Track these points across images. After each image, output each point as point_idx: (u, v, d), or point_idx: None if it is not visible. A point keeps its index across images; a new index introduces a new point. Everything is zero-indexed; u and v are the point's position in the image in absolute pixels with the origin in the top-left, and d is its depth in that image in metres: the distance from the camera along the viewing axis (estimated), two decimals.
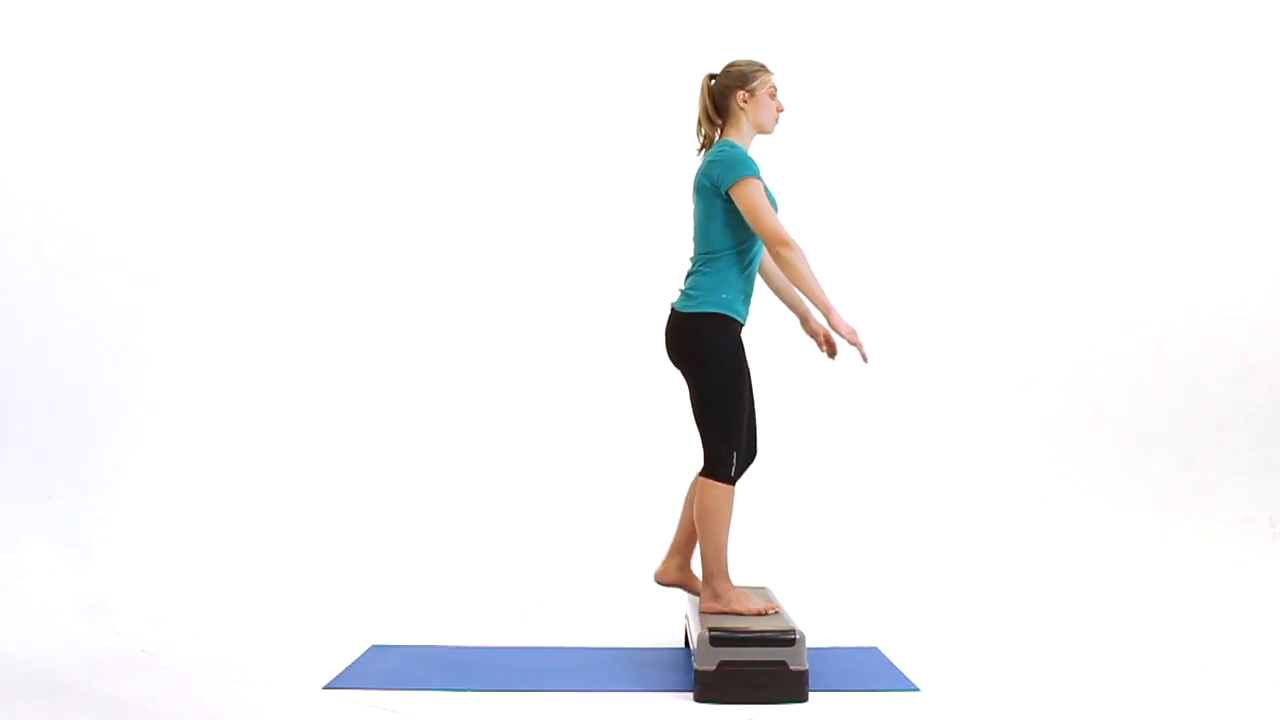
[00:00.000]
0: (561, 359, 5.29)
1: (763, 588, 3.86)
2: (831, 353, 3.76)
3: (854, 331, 3.42)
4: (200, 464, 4.96)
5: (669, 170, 4.61)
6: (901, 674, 3.54)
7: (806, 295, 3.43)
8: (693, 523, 3.62)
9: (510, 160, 5.37)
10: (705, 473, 3.47)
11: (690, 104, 3.70)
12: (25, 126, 4.73)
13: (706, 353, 3.47)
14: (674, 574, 3.72)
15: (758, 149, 3.63)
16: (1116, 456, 5.26)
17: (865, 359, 3.45)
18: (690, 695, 3.25)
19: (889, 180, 5.43)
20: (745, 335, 3.55)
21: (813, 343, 3.79)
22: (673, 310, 3.57)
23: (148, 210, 4.97)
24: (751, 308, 3.59)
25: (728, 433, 3.45)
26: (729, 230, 3.49)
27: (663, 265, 4.87)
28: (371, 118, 5.32)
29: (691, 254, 3.60)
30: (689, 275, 3.57)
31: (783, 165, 4.93)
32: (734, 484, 3.46)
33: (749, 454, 3.62)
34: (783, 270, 3.44)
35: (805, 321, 3.80)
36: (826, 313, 3.41)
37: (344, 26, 5.30)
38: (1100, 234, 5.40)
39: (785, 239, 3.40)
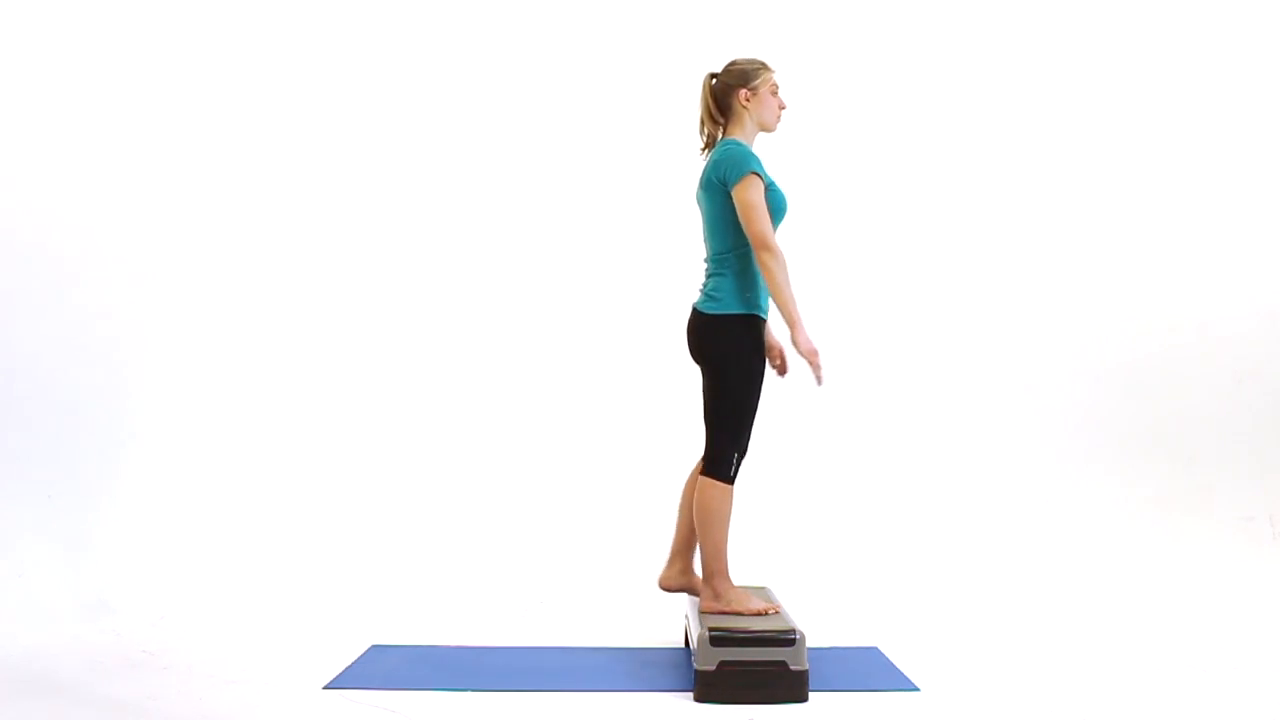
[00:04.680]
0: (561, 359, 5.29)
1: (763, 588, 3.85)
2: (782, 370, 3.66)
3: (815, 352, 3.38)
4: (200, 464, 4.96)
5: (669, 169, 4.60)
6: (901, 674, 3.54)
7: (777, 303, 3.40)
8: (691, 524, 3.62)
9: (510, 159, 5.37)
10: (705, 471, 3.48)
11: (690, 102, 3.69)
12: (27, 127, 4.73)
13: (729, 355, 3.45)
14: (677, 579, 3.71)
15: (761, 145, 3.62)
16: (1117, 456, 5.26)
17: (819, 381, 3.42)
18: (690, 695, 3.25)
19: (891, 181, 5.42)
20: None
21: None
22: (695, 310, 3.54)
23: (148, 210, 4.97)
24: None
25: (733, 435, 3.46)
26: (740, 226, 3.46)
27: (663, 266, 4.89)
28: (373, 122, 5.32)
29: (705, 255, 3.58)
30: (709, 276, 3.55)
31: (785, 166, 4.93)
32: (733, 483, 3.47)
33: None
34: (762, 273, 3.42)
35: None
36: (792, 326, 3.38)
37: (343, 35, 5.30)
38: (1100, 234, 5.40)
39: (769, 244, 3.39)
